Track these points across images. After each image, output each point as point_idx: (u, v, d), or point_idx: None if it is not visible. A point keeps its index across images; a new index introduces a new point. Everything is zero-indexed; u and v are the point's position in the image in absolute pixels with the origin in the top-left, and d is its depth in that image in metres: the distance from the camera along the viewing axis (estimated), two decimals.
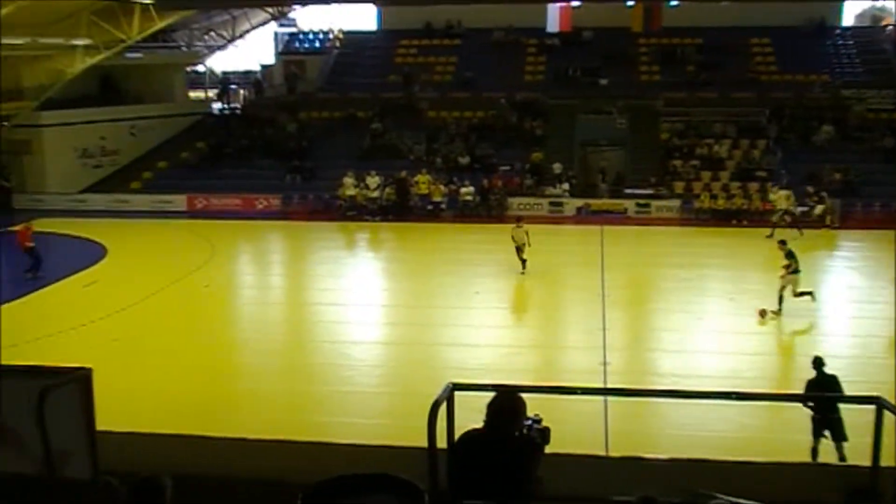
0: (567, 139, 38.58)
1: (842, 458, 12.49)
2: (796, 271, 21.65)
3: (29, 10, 30.18)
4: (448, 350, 20.44)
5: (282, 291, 28.33)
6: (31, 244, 26.46)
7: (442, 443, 4.92)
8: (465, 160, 37.88)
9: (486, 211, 35.18)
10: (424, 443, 4.79)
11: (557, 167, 36.90)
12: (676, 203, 34.85)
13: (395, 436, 12.68)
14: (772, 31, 42.97)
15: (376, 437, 12.77)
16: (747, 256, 28.48)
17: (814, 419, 13.04)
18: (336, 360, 20.01)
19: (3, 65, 35.23)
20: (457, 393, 5.33)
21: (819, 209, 32.69)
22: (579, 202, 35.58)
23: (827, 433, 12.97)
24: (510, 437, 5.16)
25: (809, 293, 21.83)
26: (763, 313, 21.27)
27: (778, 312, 21.33)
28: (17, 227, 27.10)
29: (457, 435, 5.20)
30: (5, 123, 37.44)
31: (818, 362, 13.49)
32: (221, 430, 14.12)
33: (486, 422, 5.22)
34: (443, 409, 4.99)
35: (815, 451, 13.12)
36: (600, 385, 16.84)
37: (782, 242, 22.76)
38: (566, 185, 36.12)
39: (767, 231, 30.21)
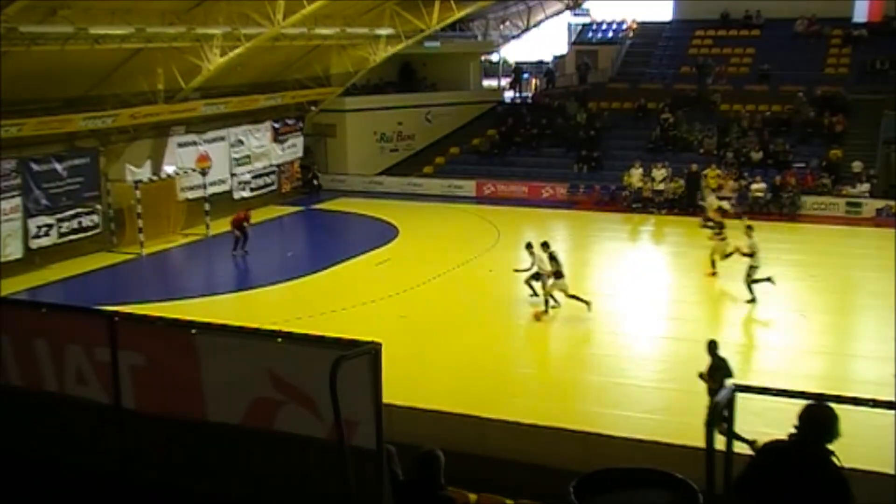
0: (870, 137, 36.25)
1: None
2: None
3: (339, 4, 32.02)
4: (729, 349, 19.83)
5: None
6: (240, 228, 28.41)
7: (720, 445, 4.79)
8: (757, 155, 36.48)
9: (778, 209, 33.75)
10: (701, 443, 4.68)
11: (857, 166, 34.78)
12: None
13: (670, 433, 12.51)
14: None
15: (650, 433, 12.63)
16: None
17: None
18: (613, 352, 19.93)
19: (314, 53, 37.57)
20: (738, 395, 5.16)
21: None
22: (880, 203, 33.34)
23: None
24: (825, 453, 4.90)
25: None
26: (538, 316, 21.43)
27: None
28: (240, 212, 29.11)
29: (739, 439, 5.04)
30: (313, 108, 39.91)
31: (713, 346, 14.58)
32: (496, 412, 14.47)
33: (798, 433, 4.97)
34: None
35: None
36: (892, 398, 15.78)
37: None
38: (866, 186, 34.00)
39: None
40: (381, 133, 42.08)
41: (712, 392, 13.55)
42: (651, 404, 16.82)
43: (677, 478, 4.65)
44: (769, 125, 38.06)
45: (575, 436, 11.88)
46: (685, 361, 18.97)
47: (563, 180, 37.62)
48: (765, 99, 39.68)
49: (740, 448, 5.02)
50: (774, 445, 5.03)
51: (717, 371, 14.24)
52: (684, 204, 34.37)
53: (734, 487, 4.91)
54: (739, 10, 43.96)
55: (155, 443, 5.82)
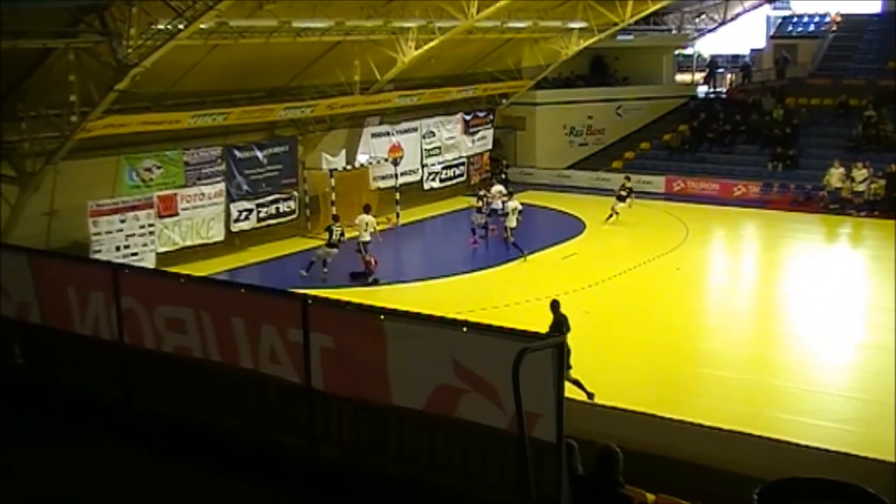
0: None
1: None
2: None
3: None
4: None
5: (750, 280, 27.76)
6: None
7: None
8: None
9: None
10: (892, 457, 4.50)
11: None
12: None
13: (858, 444, 12.01)
14: None
15: (836, 443, 12.14)
16: None
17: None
18: (799, 357, 19.28)
19: (506, 47, 37.77)
20: None
21: None
22: None
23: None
24: None
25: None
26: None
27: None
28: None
29: None
30: (504, 101, 40.15)
31: (555, 305, 16.90)
32: (678, 412, 14.24)
33: None
34: None
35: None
36: None
37: None
38: None
39: None
40: (570, 127, 41.96)
41: None
42: (837, 413, 16.19)
43: (868, 492, 4.49)
44: None
45: (759, 441, 11.54)
46: (875, 370, 18.13)
47: (755, 179, 36.51)
48: None
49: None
50: None
51: (559, 328, 16.13)
52: (886, 206, 32.70)
53: None
54: None
55: (341, 423, 6.02)
